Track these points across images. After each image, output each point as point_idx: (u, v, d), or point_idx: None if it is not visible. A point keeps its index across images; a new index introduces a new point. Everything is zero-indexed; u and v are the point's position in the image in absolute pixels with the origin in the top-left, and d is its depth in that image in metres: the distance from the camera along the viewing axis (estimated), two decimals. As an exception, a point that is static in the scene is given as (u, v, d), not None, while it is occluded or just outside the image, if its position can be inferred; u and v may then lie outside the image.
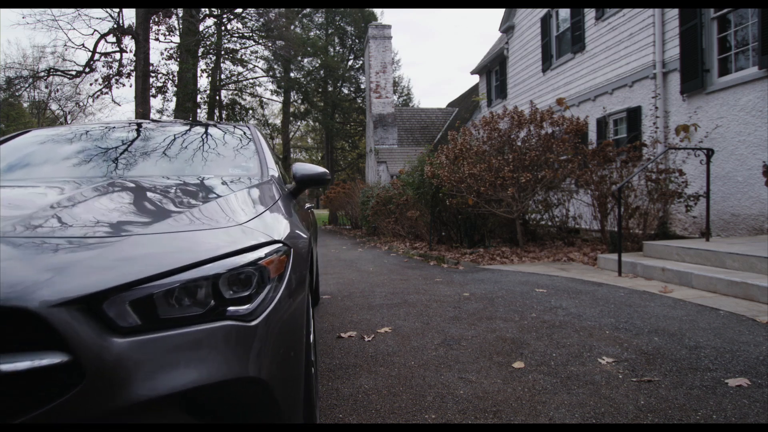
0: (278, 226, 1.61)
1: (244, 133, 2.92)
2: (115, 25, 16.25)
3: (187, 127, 2.97)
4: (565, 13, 11.23)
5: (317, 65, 31.29)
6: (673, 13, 7.98)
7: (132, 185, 1.90)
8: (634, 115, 8.95)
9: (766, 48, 6.36)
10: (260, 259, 1.34)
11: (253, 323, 1.25)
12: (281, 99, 32.30)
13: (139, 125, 2.98)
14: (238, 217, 1.52)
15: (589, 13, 10.20)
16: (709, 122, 7.39)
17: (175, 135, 2.79)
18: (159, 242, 1.29)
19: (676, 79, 8.00)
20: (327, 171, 2.53)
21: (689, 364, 2.59)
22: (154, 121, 3.15)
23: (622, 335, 3.15)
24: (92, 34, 17.10)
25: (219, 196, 1.77)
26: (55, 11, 16.53)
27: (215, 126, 3.04)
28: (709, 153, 6.17)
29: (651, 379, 2.40)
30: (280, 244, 1.47)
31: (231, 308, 1.24)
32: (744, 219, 6.88)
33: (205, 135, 2.88)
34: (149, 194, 1.81)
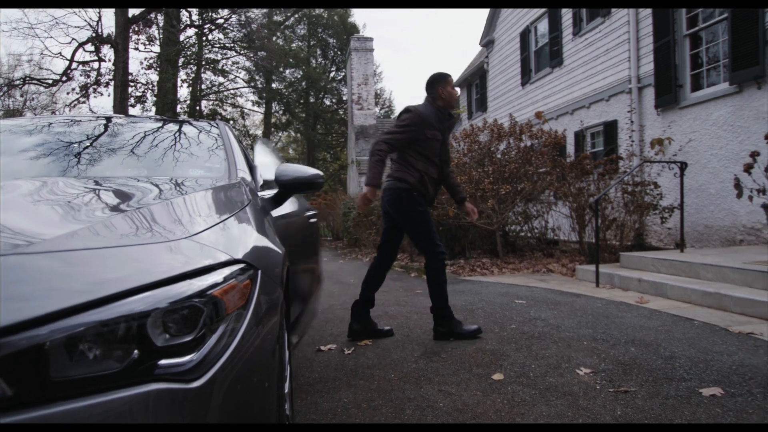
0: (243, 239, 1.26)
1: (211, 130, 2.55)
2: (94, 34, 16.10)
3: (146, 123, 2.63)
4: (543, 28, 11.46)
5: (299, 76, 31.33)
6: (647, 30, 8.20)
7: (48, 185, 1.51)
8: (610, 129, 9.13)
9: (736, 65, 6.57)
10: (213, 287, 0.97)
11: (196, 384, 0.86)
12: (263, 110, 32.25)
13: (89, 120, 2.60)
14: (188, 227, 1.16)
15: (567, 29, 10.42)
16: (682, 136, 7.57)
17: (129, 130, 2.45)
18: (56, 264, 0.88)
19: (651, 93, 8.19)
20: (320, 173, 2.15)
21: (665, 374, 2.62)
22: (108, 116, 2.75)
23: (600, 346, 3.18)
24: (70, 43, 17.01)
25: (164, 200, 1.38)
26: (32, 19, 16.34)
27: (179, 122, 2.70)
28: (683, 166, 6.31)
29: (628, 390, 2.43)
30: (243, 265, 1.10)
31: (164, 362, 0.85)
32: (717, 230, 7.04)
33: (165, 131, 2.53)
34: (66, 197, 1.40)
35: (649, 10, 8.09)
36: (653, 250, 7.29)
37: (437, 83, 3.54)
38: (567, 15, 10.38)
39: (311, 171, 2.12)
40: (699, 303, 4.30)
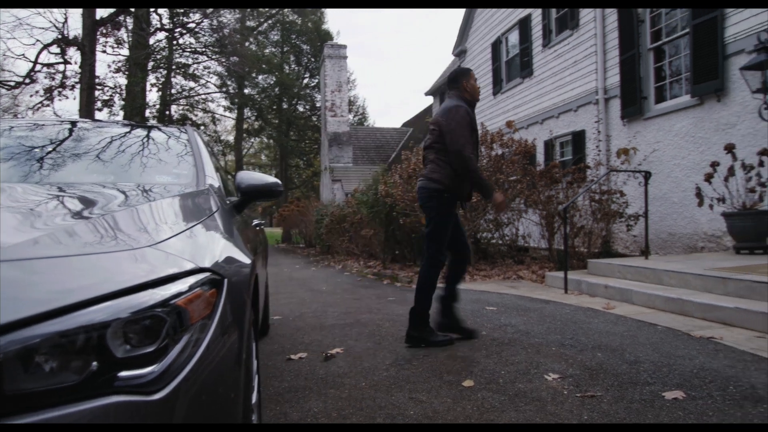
0: (210, 247, 1.24)
1: (180, 135, 2.51)
2: (60, 36, 15.68)
3: (113, 128, 2.57)
4: (514, 39, 11.68)
5: (272, 82, 31.14)
6: (613, 43, 8.44)
7: (8, 191, 1.48)
8: (578, 138, 9.34)
9: (697, 78, 6.81)
10: (177, 296, 0.95)
11: (158, 396, 0.84)
12: (234, 115, 31.89)
13: (54, 124, 2.53)
14: (153, 235, 1.14)
15: (537, 40, 10.64)
16: (647, 146, 7.80)
17: (95, 135, 2.39)
18: (14, 273, 0.85)
19: (617, 105, 8.43)
20: (279, 182, 2.20)
21: (629, 379, 2.68)
22: (73, 120, 2.69)
23: (568, 351, 3.24)
24: (34, 44, 16.46)
25: (129, 207, 1.37)
26: (-6, 19, 15.78)
27: (147, 127, 2.65)
28: (647, 175, 6.50)
29: (594, 394, 2.47)
30: (209, 274, 1.08)
31: (124, 374, 0.83)
32: (680, 238, 7.26)
33: (132, 136, 2.48)
34: (27, 204, 1.35)
35: (615, 24, 8.33)
36: (620, 256, 7.47)
37: (461, 77, 3.57)
38: (537, 27, 10.61)
39: (271, 179, 2.17)
40: (662, 308, 4.42)
